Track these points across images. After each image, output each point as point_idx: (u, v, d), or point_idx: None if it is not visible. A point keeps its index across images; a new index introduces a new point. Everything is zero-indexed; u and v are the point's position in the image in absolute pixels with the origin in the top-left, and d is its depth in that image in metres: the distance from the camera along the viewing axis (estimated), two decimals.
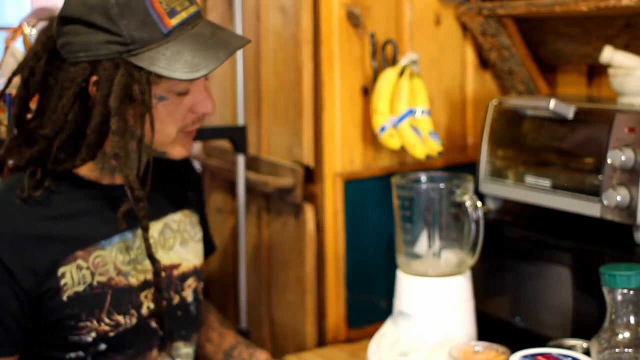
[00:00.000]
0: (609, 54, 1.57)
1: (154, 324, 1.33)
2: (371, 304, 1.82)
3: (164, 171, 1.39)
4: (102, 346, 1.26)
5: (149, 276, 1.31)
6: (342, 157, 1.78)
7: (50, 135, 1.21)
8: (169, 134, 1.25)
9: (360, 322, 1.82)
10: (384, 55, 1.79)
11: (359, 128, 1.80)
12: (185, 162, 1.53)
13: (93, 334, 1.25)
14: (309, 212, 1.80)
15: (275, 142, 1.93)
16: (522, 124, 1.60)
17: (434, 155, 1.74)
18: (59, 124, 1.21)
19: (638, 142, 1.35)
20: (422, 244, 1.58)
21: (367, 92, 1.79)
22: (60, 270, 1.22)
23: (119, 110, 1.17)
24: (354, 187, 1.79)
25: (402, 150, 1.76)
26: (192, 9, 1.22)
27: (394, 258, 1.63)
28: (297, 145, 1.83)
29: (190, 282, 1.41)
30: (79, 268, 1.24)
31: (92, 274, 1.25)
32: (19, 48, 1.85)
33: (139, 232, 1.31)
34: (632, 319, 1.19)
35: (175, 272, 1.38)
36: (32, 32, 1.85)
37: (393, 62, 1.78)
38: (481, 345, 1.39)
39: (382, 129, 1.72)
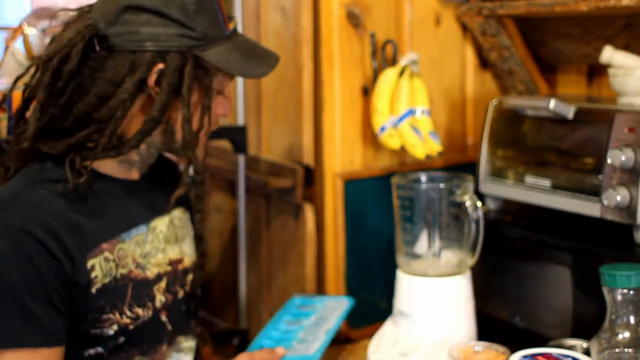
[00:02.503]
0: (609, 54, 1.57)
1: (164, 318, 1.34)
2: (371, 304, 1.82)
3: (163, 168, 1.44)
4: (121, 339, 1.27)
5: (161, 269, 1.34)
6: (342, 157, 1.78)
7: (105, 119, 1.24)
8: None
9: (360, 322, 1.81)
10: (384, 55, 1.79)
11: (359, 128, 1.80)
12: (172, 163, 1.56)
13: (115, 327, 1.26)
14: (309, 212, 1.80)
15: (275, 142, 1.93)
16: (522, 124, 1.60)
17: (434, 155, 1.74)
18: (116, 108, 1.23)
19: (638, 142, 1.35)
20: (422, 244, 1.58)
21: (367, 92, 1.79)
22: (90, 263, 1.23)
23: (187, 100, 1.24)
24: (354, 187, 1.79)
25: (402, 150, 1.76)
26: (235, 21, 1.33)
27: (394, 258, 1.63)
28: (297, 145, 1.83)
29: (190, 276, 1.43)
30: (107, 260, 1.25)
31: (117, 266, 1.27)
32: (19, 48, 1.85)
33: (152, 225, 1.34)
34: (632, 319, 1.19)
35: (180, 267, 1.40)
36: (32, 32, 1.85)
37: (393, 62, 1.78)
38: (481, 345, 1.39)
39: (382, 129, 1.72)
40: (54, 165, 1.26)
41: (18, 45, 1.86)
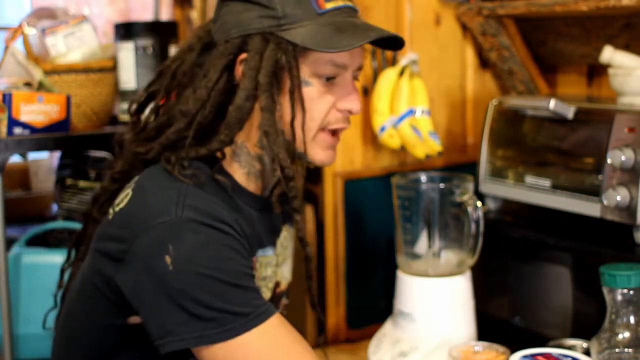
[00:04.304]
0: (609, 54, 1.57)
1: None
2: (371, 304, 1.82)
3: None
4: None
5: (268, 294, 1.27)
6: (342, 157, 1.78)
7: (192, 112, 1.17)
8: (311, 127, 1.18)
9: (360, 322, 1.82)
10: (384, 55, 1.79)
11: (359, 128, 1.80)
12: None
13: None
14: (309, 212, 1.80)
15: None
16: (522, 124, 1.60)
17: (434, 155, 1.74)
18: (201, 99, 1.17)
19: (638, 142, 1.35)
20: (422, 244, 1.58)
21: (367, 92, 1.79)
22: None
23: (268, 86, 1.14)
24: (354, 187, 1.79)
25: (402, 150, 1.76)
26: (350, 3, 1.20)
27: (394, 258, 1.63)
28: None
29: (284, 300, 1.36)
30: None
31: None
32: (19, 48, 1.85)
33: (278, 248, 1.28)
34: (632, 319, 1.20)
35: (278, 290, 1.32)
36: (32, 32, 1.84)
37: (393, 62, 1.78)
38: (481, 345, 1.39)
39: (382, 129, 1.72)
40: (191, 166, 1.17)
41: (18, 45, 1.86)
